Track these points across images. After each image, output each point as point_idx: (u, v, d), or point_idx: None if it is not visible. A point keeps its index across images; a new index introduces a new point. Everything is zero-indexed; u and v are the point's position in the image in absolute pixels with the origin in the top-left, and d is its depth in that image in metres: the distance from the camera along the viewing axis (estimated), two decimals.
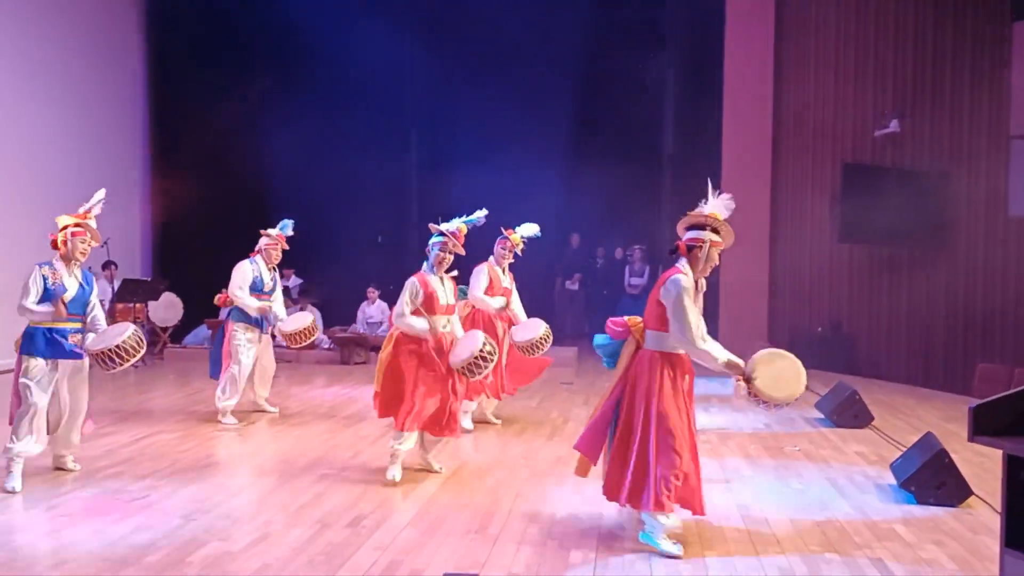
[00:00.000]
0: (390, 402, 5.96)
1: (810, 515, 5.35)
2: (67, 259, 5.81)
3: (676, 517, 4.74)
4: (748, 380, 4.61)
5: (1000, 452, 3.82)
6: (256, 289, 7.96)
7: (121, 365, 5.70)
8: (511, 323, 7.72)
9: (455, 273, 6.19)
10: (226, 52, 14.03)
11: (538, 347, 7.34)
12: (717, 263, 4.79)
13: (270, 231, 8.17)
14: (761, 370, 4.61)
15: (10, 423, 5.77)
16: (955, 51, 10.51)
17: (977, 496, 5.64)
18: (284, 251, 8.21)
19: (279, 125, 13.34)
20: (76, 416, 5.97)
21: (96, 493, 5.59)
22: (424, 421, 5.89)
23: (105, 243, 12.32)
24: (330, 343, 12.31)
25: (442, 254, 6.02)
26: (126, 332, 5.74)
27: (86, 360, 5.89)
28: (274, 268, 8.19)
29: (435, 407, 5.89)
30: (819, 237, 12.12)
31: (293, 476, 6.02)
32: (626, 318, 4.89)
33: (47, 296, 5.71)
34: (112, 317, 11.94)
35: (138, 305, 12.15)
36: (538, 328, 7.42)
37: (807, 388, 7.53)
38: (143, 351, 5.84)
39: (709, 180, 4.88)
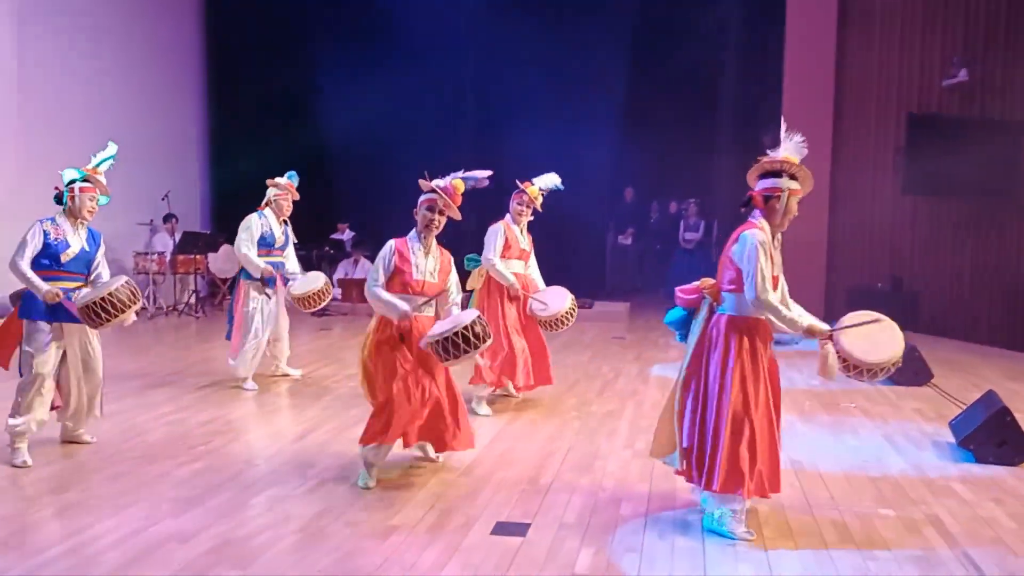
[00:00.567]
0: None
1: (865, 471, 5.30)
2: (73, 216, 5.31)
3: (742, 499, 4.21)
4: (834, 342, 4.10)
5: None
6: (266, 245, 7.33)
7: (110, 320, 5.07)
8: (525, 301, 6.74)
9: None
10: (285, 6, 14.07)
11: (562, 323, 6.56)
12: (796, 214, 4.24)
13: (278, 180, 7.46)
14: (849, 332, 4.12)
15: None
16: None
17: None
18: (295, 202, 7.53)
19: (336, 81, 13.40)
20: (93, 385, 5.46)
21: (161, 437, 5.79)
22: (418, 432, 4.85)
23: (165, 196, 12.67)
24: None
25: (430, 215, 4.90)
26: (117, 282, 5.18)
27: None
28: (285, 221, 7.51)
29: (424, 413, 4.79)
30: (881, 190, 11.80)
31: (347, 427, 6.11)
32: (697, 282, 4.42)
33: (47, 252, 5.20)
34: (173, 268, 12.28)
35: (198, 257, 12.40)
36: (563, 299, 6.60)
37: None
38: (136, 306, 5.20)
39: (783, 120, 4.46)
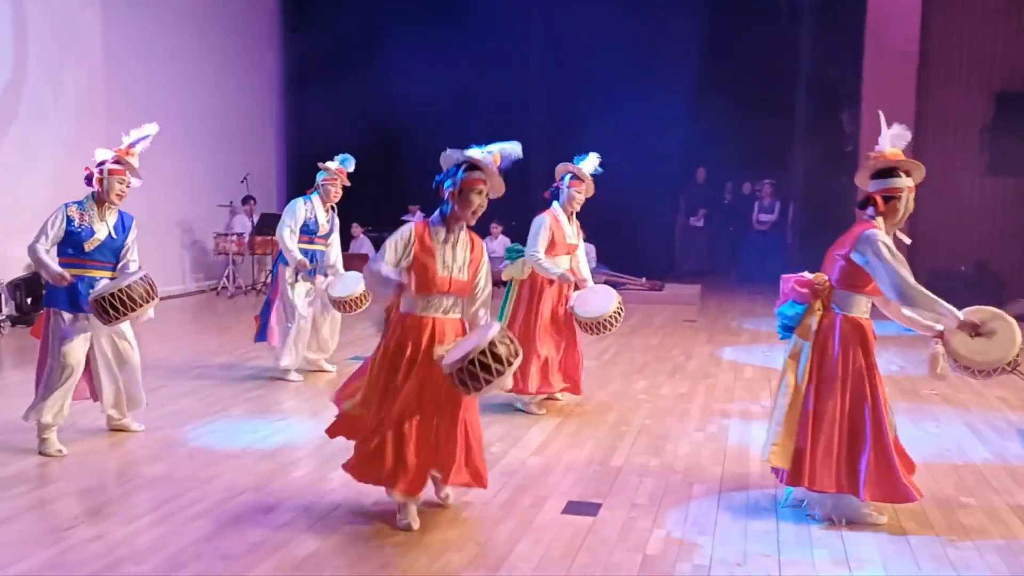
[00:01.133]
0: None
1: (946, 459, 5.18)
2: (101, 200, 5.00)
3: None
4: (944, 342, 3.98)
5: None
6: (308, 232, 6.86)
7: (120, 317, 4.77)
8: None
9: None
10: None
11: (606, 326, 5.88)
12: (912, 210, 4.15)
13: (328, 164, 6.99)
14: (957, 332, 3.94)
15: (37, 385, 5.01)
16: None
17: None
18: (345, 188, 7.06)
19: (409, 62, 13.51)
20: (129, 375, 5.23)
21: (243, 413, 5.99)
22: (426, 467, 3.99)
23: (245, 179, 13.01)
24: None
25: (477, 200, 3.97)
26: (134, 276, 4.85)
27: None
28: (332, 208, 7.04)
29: (432, 443, 3.95)
30: (965, 171, 11.39)
31: None
32: (808, 275, 4.21)
33: (71, 240, 4.93)
34: (251, 249, 12.62)
35: (274, 238, 12.67)
36: (609, 300, 5.91)
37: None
38: (153, 303, 4.90)
39: (881, 113, 4.32)
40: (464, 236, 4.05)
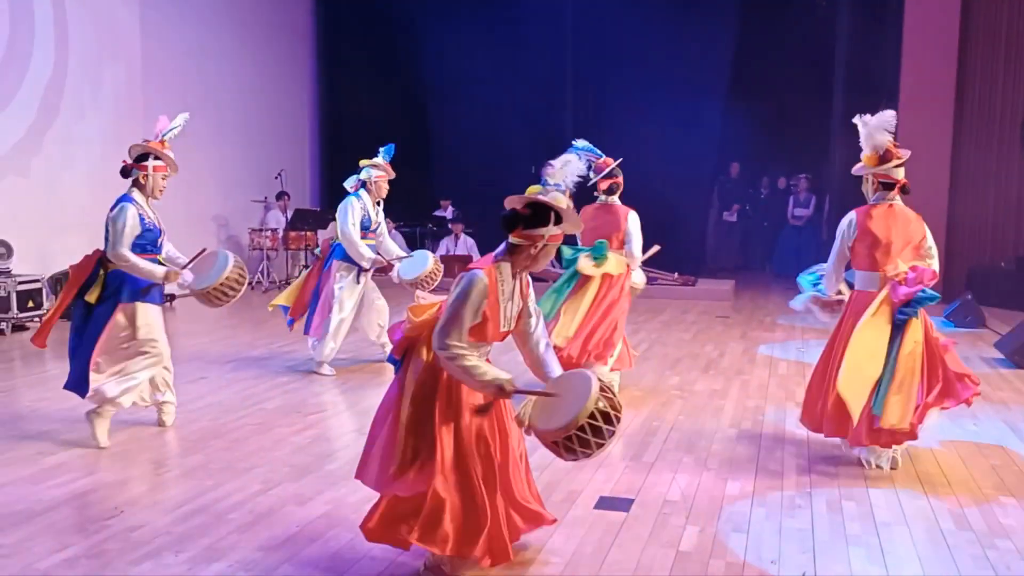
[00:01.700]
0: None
1: (985, 457, 5.10)
2: (146, 195, 5.20)
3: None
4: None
5: None
6: (363, 228, 6.98)
7: (227, 302, 5.25)
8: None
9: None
10: None
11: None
12: None
13: (376, 160, 7.09)
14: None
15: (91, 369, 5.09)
16: None
17: None
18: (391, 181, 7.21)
19: (443, 61, 13.55)
20: (168, 364, 5.43)
21: (279, 405, 6.06)
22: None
23: (279, 175, 13.16)
24: None
25: (549, 249, 3.37)
26: (226, 265, 5.19)
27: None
28: (378, 203, 7.17)
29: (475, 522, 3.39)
30: (1006, 164, 11.19)
31: None
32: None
33: (148, 237, 5.14)
34: (285, 244, 12.75)
35: (308, 233, 12.82)
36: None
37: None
38: (244, 284, 5.30)
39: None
40: (521, 283, 3.47)
